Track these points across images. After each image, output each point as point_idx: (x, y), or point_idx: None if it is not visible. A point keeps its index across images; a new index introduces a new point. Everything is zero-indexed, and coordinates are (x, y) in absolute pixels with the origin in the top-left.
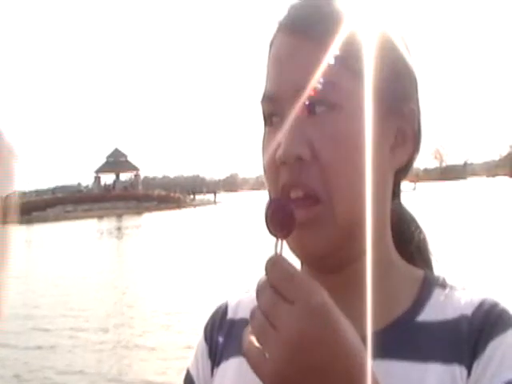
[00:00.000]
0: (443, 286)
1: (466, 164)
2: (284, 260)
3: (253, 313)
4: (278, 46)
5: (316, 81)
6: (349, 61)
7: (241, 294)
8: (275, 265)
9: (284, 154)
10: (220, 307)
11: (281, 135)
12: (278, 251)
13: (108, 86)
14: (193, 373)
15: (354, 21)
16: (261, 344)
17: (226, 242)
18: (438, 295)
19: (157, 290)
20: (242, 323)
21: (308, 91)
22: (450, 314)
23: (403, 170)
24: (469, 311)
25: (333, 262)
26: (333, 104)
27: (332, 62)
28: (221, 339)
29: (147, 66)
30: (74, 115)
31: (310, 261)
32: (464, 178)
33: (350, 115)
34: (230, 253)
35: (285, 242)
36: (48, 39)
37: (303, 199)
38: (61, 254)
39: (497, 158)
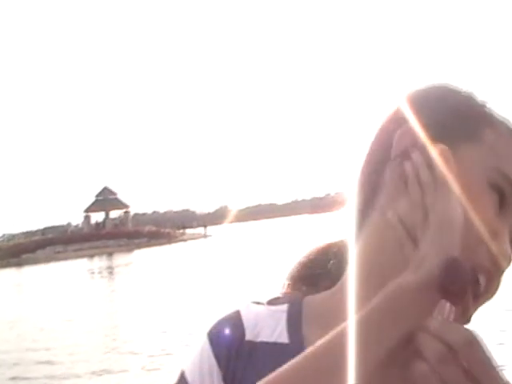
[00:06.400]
0: None
1: None
2: (481, 341)
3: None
4: None
5: None
6: None
7: (253, 307)
8: (473, 345)
9: None
10: (235, 326)
11: None
12: (450, 316)
13: (95, 125)
14: None
15: None
16: None
17: (217, 278)
18: None
19: (145, 332)
20: (264, 348)
21: None
22: None
23: None
24: None
25: None
26: None
27: None
28: (240, 366)
29: (133, 104)
30: (60, 156)
31: None
32: None
33: None
34: (221, 289)
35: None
36: (35, 76)
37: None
38: (51, 297)
39: None
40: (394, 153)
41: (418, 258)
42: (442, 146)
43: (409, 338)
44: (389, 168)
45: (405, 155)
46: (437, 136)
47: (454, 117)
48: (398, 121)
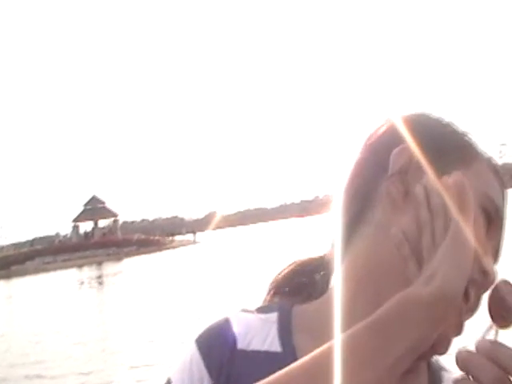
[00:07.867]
0: (445, 369)
1: None
2: None
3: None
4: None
5: None
6: None
7: (242, 315)
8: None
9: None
10: (226, 335)
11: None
12: (493, 336)
13: (81, 135)
14: None
15: None
16: None
17: (206, 286)
18: (447, 381)
19: (134, 342)
20: (256, 357)
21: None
22: None
23: None
24: None
25: None
26: None
27: None
28: (232, 375)
29: (120, 113)
30: (48, 166)
31: None
32: None
33: None
34: (210, 297)
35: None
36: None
37: None
38: (40, 309)
39: None
40: (392, 170)
41: (428, 272)
42: (457, 172)
43: (413, 352)
44: (385, 184)
45: (403, 173)
46: (432, 159)
47: (445, 143)
48: (392, 137)
